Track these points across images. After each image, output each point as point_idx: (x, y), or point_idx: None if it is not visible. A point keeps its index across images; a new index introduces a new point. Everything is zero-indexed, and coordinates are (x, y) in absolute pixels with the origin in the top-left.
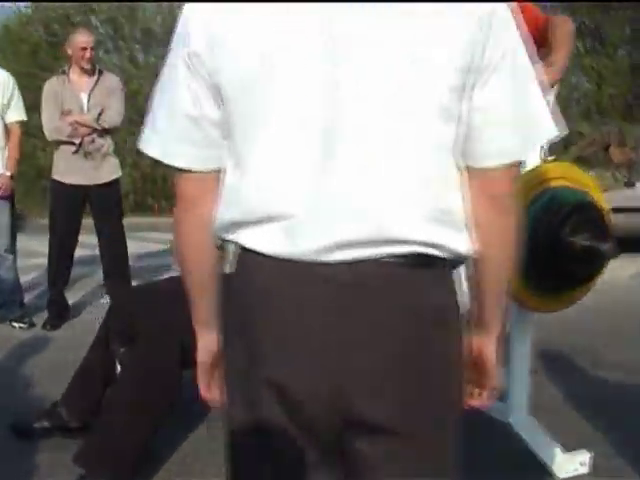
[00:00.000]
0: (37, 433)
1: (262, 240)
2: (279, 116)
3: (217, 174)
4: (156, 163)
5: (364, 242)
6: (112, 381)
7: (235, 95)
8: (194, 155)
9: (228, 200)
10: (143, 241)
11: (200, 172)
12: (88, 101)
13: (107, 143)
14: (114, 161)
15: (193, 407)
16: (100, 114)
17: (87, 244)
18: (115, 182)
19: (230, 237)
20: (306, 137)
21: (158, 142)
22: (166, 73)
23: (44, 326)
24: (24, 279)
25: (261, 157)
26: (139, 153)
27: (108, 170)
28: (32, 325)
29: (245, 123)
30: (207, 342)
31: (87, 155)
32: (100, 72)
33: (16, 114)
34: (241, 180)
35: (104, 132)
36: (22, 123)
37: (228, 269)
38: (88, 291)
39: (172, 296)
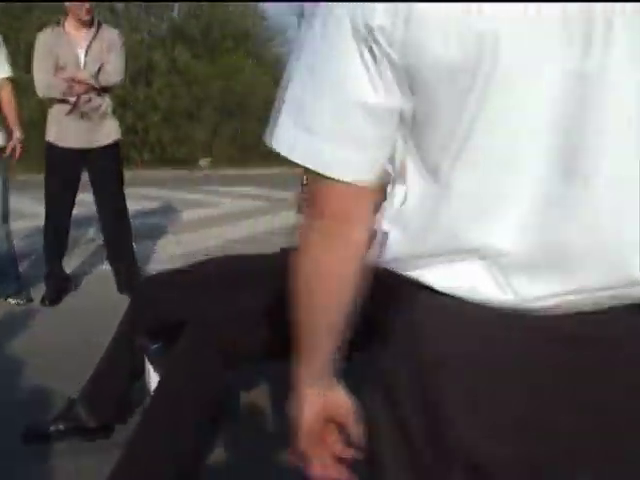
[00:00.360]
0: (53, 436)
1: (461, 280)
2: (500, 118)
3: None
4: (138, 115)
5: (606, 287)
6: (138, 378)
7: (437, 86)
8: (361, 161)
9: (412, 223)
10: (130, 198)
11: (360, 183)
12: (85, 56)
13: (105, 102)
14: (113, 122)
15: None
16: (98, 71)
17: (84, 202)
18: (115, 145)
19: (410, 273)
20: (537, 149)
21: (314, 145)
22: (319, 49)
23: (42, 301)
24: (16, 245)
25: (469, 170)
26: (121, 104)
27: (107, 132)
28: (30, 300)
29: (448, 123)
30: (316, 404)
31: (83, 115)
32: (99, 24)
33: (3, 70)
34: (435, 198)
35: (102, 90)
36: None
37: (405, 314)
38: (87, 257)
39: (207, 286)
